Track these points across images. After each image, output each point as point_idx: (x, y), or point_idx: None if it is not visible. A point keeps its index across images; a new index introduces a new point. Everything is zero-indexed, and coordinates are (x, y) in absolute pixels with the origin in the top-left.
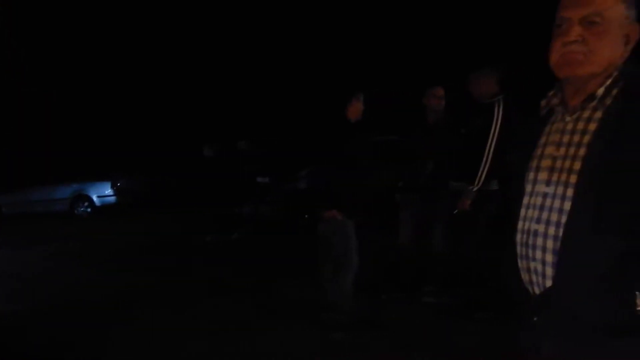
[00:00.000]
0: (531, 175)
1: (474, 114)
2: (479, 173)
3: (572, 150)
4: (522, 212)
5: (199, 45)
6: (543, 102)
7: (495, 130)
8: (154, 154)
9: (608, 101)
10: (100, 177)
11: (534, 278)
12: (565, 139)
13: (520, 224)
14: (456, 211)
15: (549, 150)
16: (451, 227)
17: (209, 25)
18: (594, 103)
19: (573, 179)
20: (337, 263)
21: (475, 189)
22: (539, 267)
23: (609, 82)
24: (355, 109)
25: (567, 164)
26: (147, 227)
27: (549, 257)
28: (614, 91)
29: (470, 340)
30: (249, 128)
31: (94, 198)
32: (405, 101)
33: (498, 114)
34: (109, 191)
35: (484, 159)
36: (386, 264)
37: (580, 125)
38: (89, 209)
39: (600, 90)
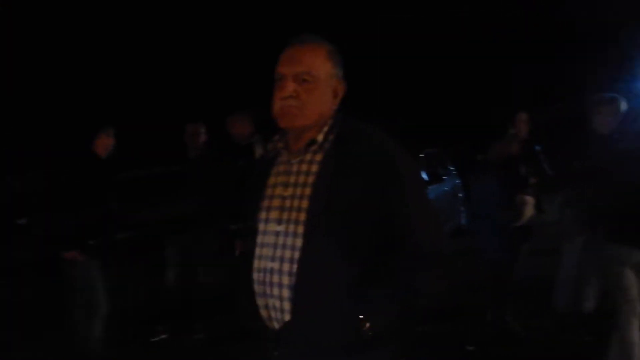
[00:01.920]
0: (263, 215)
1: (235, 154)
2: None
3: (298, 190)
4: (257, 251)
5: None
6: (270, 146)
7: None
8: None
9: (326, 145)
10: None
11: (272, 314)
12: (292, 179)
13: (256, 263)
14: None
15: (278, 190)
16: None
17: None
18: (314, 147)
19: (302, 216)
20: (87, 308)
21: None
22: (277, 303)
23: (326, 129)
24: (104, 144)
25: (296, 203)
26: None
27: (286, 293)
28: (331, 136)
29: None
30: None
31: None
32: (166, 135)
33: (258, 153)
34: None
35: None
36: (157, 304)
37: (304, 167)
38: None
39: (320, 137)
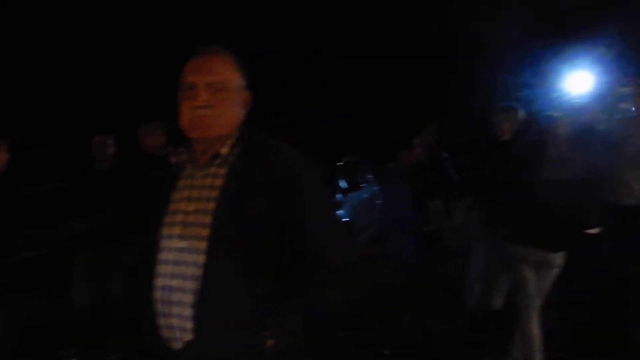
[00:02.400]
0: (166, 231)
1: (148, 166)
2: None
3: (202, 205)
4: (159, 268)
5: None
6: (173, 159)
7: None
8: None
9: (231, 159)
10: None
11: (174, 334)
12: (196, 194)
13: (157, 281)
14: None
15: (181, 205)
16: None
17: None
18: (219, 161)
19: (205, 232)
20: None
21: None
22: (179, 323)
23: (231, 141)
24: None
25: (199, 218)
26: None
27: (188, 311)
28: (236, 150)
29: None
30: None
31: None
32: (71, 148)
33: None
34: None
35: None
36: (66, 326)
37: (208, 181)
38: None
39: (225, 149)
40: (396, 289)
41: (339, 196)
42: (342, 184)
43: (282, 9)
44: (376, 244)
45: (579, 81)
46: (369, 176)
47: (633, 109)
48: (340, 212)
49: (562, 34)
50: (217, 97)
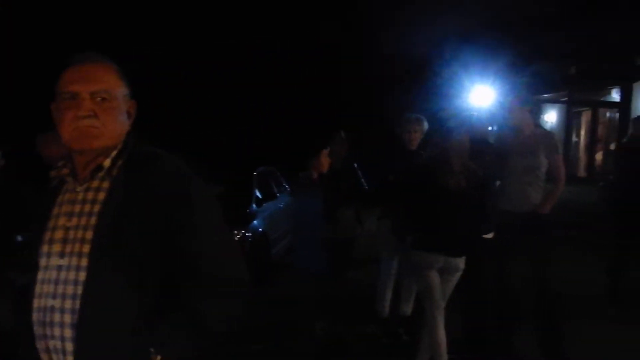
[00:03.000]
0: (45, 249)
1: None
2: None
3: (83, 220)
4: (38, 288)
5: None
6: (53, 173)
7: None
8: None
9: (114, 172)
10: None
11: (54, 357)
12: (77, 209)
13: (36, 302)
14: None
15: (62, 221)
16: None
17: None
18: (102, 173)
19: (86, 248)
20: None
21: None
22: (59, 345)
23: (114, 153)
24: None
25: (80, 234)
26: None
27: (68, 333)
28: (119, 162)
29: None
30: None
31: None
32: None
33: None
34: None
35: None
36: None
37: (90, 195)
38: None
39: (107, 162)
40: (308, 299)
41: (253, 206)
42: (257, 193)
43: (191, 14)
44: (290, 255)
45: (480, 95)
46: (285, 185)
47: (513, 123)
48: (254, 222)
49: (468, 49)
50: (102, 106)
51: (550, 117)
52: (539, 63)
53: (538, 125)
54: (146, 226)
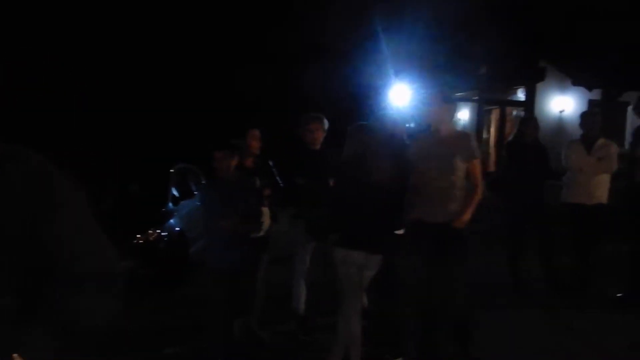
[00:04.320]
0: None
1: None
2: None
3: None
4: None
5: None
6: None
7: None
8: None
9: None
10: None
11: None
12: None
13: None
14: None
15: None
16: None
17: None
18: None
19: None
20: None
21: None
22: None
23: None
24: None
25: None
26: None
27: None
28: None
29: None
30: None
31: None
32: None
33: None
34: None
35: None
36: None
37: None
38: None
39: None
40: (222, 298)
41: (170, 205)
42: (174, 192)
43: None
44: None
45: (399, 94)
46: (204, 182)
47: (431, 121)
48: (171, 221)
49: (389, 48)
50: None
51: (463, 115)
52: (454, 63)
53: (455, 126)
54: (6, 224)
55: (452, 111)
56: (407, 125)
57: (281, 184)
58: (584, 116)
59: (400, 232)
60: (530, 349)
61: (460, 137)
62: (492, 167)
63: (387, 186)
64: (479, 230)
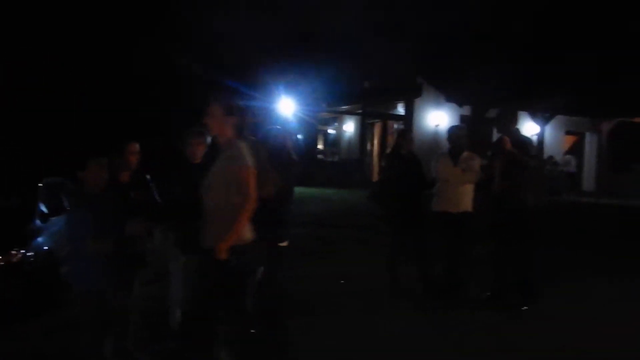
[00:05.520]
0: None
1: None
2: None
3: None
4: None
5: None
6: None
7: None
8: None
9: None
10: None
11: None
12: None
13: None
14: None
15: None
16: None
17: None
18: None
19: None
20: None
21: None
22: None
23: None
24: None
25: None
26: None
27: None
28: None
29: None
30: None
31: None
32: None
33: None
34: None
35: None
36: None
37: None
38: None
39: None
40: (89, 319)
41: (37, 222)
42: (42, 208)
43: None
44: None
45: (285, 106)
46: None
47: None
48: (38, 240)
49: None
50: None
51: (349, 127)
52: (338, 77)
53: (245, 138)
54: None
55: (241, 125)
56: (292, 137)
57: (158, 200)
58: (450, 131)
59: (285, 244)
60: (404, 347)
61: (230, 145)
62: (376, 177)
63: (274, 198)
64: (367, 238)
